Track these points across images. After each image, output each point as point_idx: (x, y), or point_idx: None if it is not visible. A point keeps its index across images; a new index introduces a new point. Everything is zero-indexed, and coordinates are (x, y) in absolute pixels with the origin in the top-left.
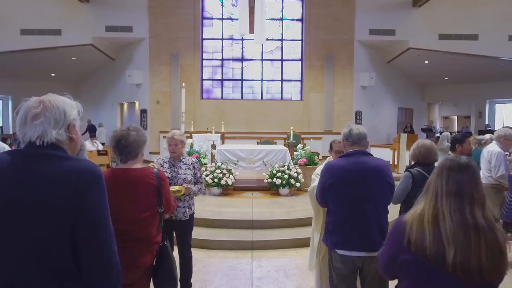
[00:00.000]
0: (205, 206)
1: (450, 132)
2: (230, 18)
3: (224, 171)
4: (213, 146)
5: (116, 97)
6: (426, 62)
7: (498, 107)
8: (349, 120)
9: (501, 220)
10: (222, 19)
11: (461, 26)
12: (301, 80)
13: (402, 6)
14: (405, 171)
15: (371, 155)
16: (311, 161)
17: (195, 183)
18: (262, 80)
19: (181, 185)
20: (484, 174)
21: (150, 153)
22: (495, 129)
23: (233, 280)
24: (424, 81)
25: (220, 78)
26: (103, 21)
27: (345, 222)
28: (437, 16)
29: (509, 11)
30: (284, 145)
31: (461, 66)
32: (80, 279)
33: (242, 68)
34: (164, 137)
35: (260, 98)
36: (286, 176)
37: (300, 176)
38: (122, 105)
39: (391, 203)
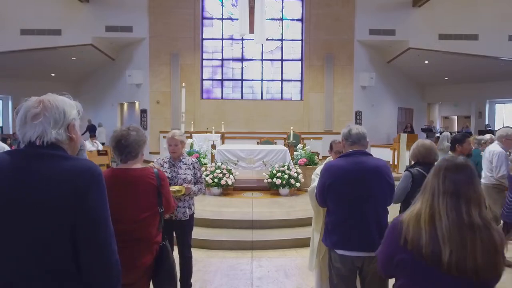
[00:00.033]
0: (205, 206)
1: (450, 132)
2: (230, 18)
3: (224, 171)
4: (213, 146)
5: (116, 97)
6: (426, 62)
7: (498, 107)
8: (349, 120)
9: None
10: (222, 19)
11: (461, 26)
12: (301, 80)
13: (402, 6)
14: (405, 171)
15: (371, 155)
16: (311, 161)
17: (195, 183)
18: (262, 80)
19: (181, 185)
20: (485, 174)
21: (150, 153)
22: (495, 129)
23: (233, 280)
24: (424, 81)
25: (220, 78)
26: (103, 21)
27: (344, 222)
28: (437, 16)
29: (509, 11)
30: (284, 145)
31: (461, 66)
32: (80, 279)
33: (242, 68)
34: (164, 137)
35: (260, 98)
36: (286, 176)
37: (300, 176)
38: (122, 105)
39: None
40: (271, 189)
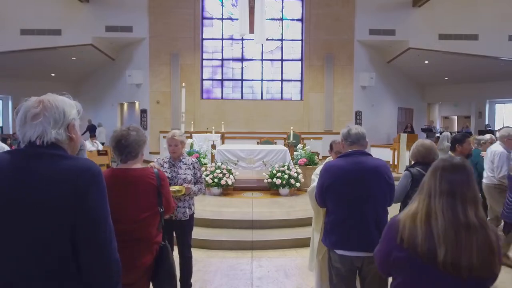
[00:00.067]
0: (205, 206)
1: (450, 132)
2: (230, 18)
3: (224, 171)
4: (213, 146)
5: (116, 97)
6: (426, 62)
7: (498, 107)
8: (349, 120)
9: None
10: (222, 19)
11: (461, 26)
12: (301, 80)
13: (402, 6)
14: (405, 170)
15: (370, 155)
16: (311, 161)
17: (195, 183)
18: (262, 80)
19: (181, 185)
20: (487, 174)
21: (150, 153)
22: (495, 129)
23: (233, 280)
24: (424, 81)
25: (220, 78)
26: (103, 21)
27: (344, 222)
28: (437, 16)
29: (509, 11)
30: (284, 145)
31: (461, 66)
32: (80, 279)
33: (242, 68)
34: (164, 137)
35: (260, 98)
36: (286, 176)
37: (300, 176)
38: (122, 105)
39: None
40: (271, 189)
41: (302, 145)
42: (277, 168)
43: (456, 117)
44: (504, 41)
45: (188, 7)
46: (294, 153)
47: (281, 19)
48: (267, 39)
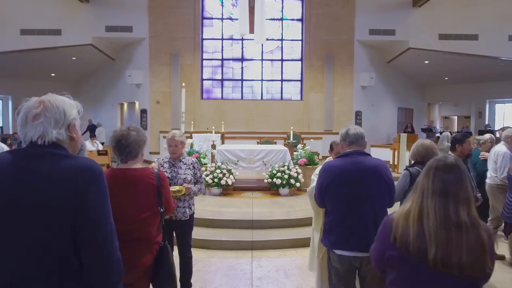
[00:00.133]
0: (205, 206)
1: (450, 132)
2: (230, 18)
3: (224, 171)
4: (213, 146)
5: (116, 97)
6: (426, 62)
7: (498, 107)
8: (349, 120)
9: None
10: (222, 19)
11: (461, 26)
12: (301, 80)
13: (402, 6)
14: (404, 170)
15: (369, 155)
16: (311, 161)
17: (195, 183)
18: (262, 80)
19: (181, 185)
20: (490, 175)
21: (150, 153)
22: (495, 129)
23: (233, 280)
24: (424, 81)
25: (220, 78)
26: (103, 21)
27: (342, 222)
28: (437, 16)
29: (509, 11)
30: (284, 145)
31: (461, 66)
32: (80, 279)
33: (242, 68)
34: (164, 137)
35: (260, 98)
36: (286, 176)
37: (300, 176)
38: (122, 105)
39: None
40: (271, 189)
41: (302, 145)
42: (277, 168)
43: (456, 117)
44: (504, 41)
45: (188, 7)
46: (294, 153)
47: (281, 19)
48: (267, 39)
